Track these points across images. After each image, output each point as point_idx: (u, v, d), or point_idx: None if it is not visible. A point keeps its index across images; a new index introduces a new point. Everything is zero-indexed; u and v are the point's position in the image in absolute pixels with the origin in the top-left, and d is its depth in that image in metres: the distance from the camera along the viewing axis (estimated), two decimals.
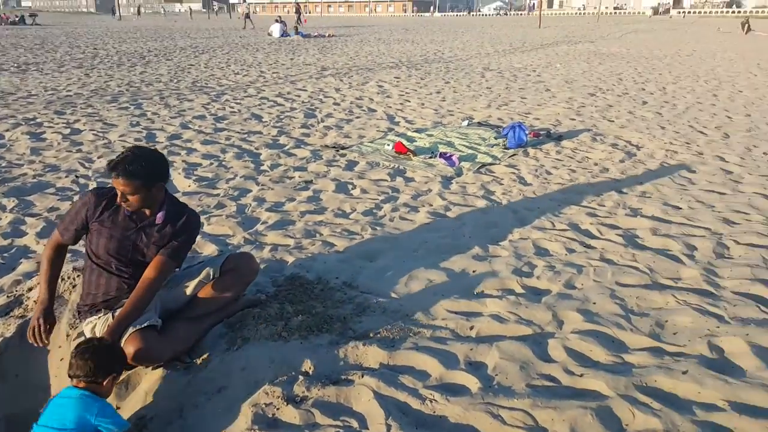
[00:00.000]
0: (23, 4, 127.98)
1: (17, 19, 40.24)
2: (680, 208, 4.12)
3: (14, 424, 2.19)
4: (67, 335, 2.48)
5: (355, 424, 1.91)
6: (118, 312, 2.22)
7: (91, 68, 12.57)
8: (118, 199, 2.22)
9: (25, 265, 3.22)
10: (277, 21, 25.58)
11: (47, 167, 5.17)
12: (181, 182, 4.79)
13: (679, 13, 66.51)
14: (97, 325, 2.28)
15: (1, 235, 3.69)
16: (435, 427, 1.93)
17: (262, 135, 6.49)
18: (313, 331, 2.44)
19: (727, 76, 11.74)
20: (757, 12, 59.73)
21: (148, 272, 2.27)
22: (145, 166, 2.17)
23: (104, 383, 1.87)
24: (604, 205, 4.19)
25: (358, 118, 7.51)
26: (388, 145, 5.84)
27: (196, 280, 2.49)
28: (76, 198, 4.32)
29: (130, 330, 2.15)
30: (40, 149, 5.77)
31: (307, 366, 2.21)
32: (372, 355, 2.31)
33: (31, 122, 6.99)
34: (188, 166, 5.23)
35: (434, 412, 1.99)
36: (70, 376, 1.87)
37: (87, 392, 1.82)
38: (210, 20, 54.70)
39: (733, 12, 63.56)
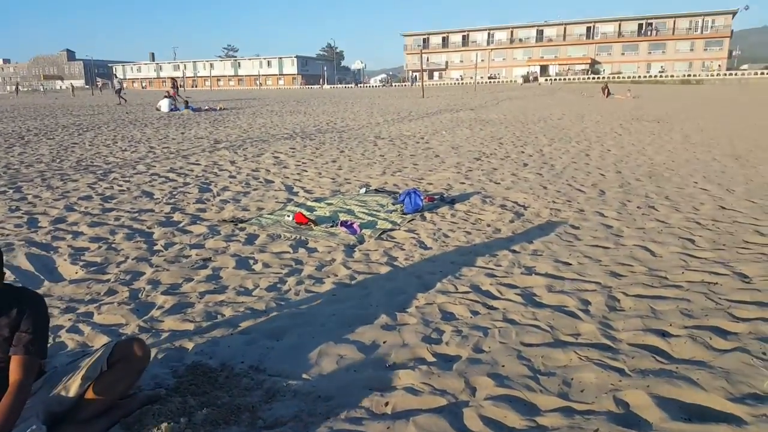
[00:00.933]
0: None
1: None
2: (570, 264, 4.38)
3: None
4: None
5: None
6: None
7: None
8: None
9: None
10: (165, 96, 25.04)
11: None
12: (67, 269, 4.34)
13: (546, 80, 74.07)
14: None
15: None
16: None
17: (155, 213, 6.12)
18: (219, 424, 2.23)
19: (595, 136, 13.10)
20: (613, 77, 68.40)
21: (12, 375, 2.01)
22: None
23: None
24: (500, 265, 4.36)
25: (255, 190, 7.38)
26: (288, 216, 5.76)
27: (80, 377, 2.21)
28: None
29: None
30: None
31: None
32: None
33: None
34: (75, 251, 4.76)
35: None
36: None
37: None
38: (94, 96, 52.37)
39: (593, 78, 71.81)
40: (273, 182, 7.91)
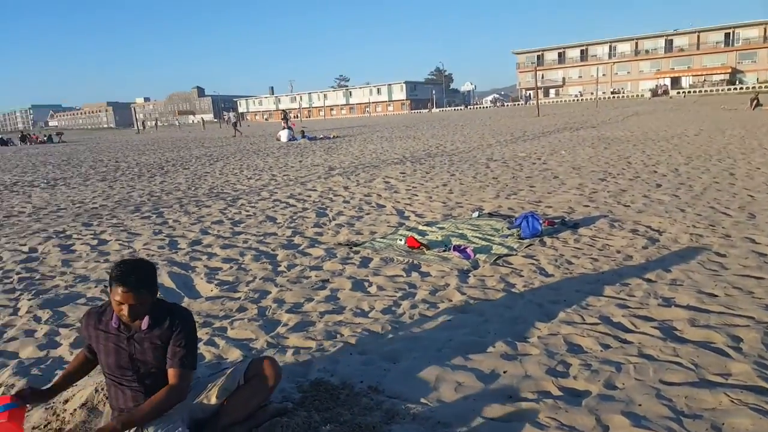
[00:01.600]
0: (51, 124, 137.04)
1: (45, 138, 43.15)
2: (716, 296, 3.97)
3: None
4: None
5: None
6: (136, 409, 2.24)
7: (113, 180, 13.07)
8: (124, 315, 2.25)
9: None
10: (284, 127, 26.87)
11: (78, 278, 5.24)
12: (203, 287, 4.79)
13: (679, 93, 67.88)
14: None
15: (38, 347, 3.70)
16: None
17: (278, 236, 6.56)
18: None
19: (740, 153, 11.83)
20: (761, 87, 58.93)
21: (170, 381, 2.32)
22: (136, 274, 2.23)
23: None
24: (633, 295, 4.07)
25: (368, 214, 7.62)
26: (400, 240, 5.86)
27: (221, 388, 2.47)
28: None
29: None
30: (70, 261, 5.86)
31: None
32: None
33: (61, 235, 7.16)
34: (210, 271, 5.25)
35: None
36: None
37: None
38: (221, 129, 57.46)
39: (736, 89, 64.05)
40: (384, 206, 8.12)
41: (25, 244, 6.69)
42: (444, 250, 5.44)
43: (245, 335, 3.69)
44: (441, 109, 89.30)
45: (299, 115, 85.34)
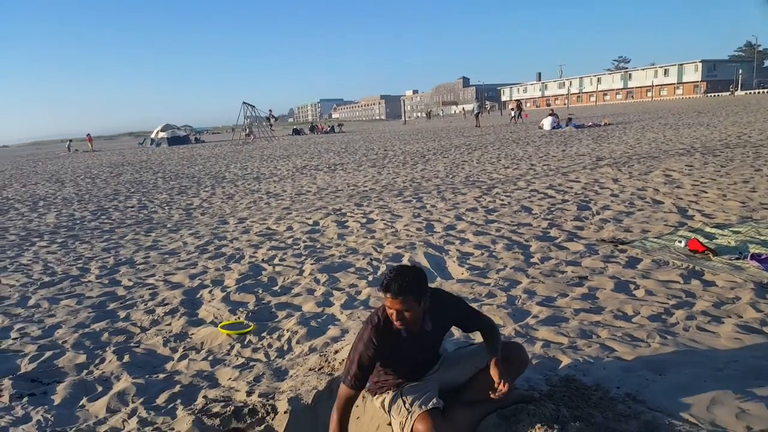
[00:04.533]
0: (333, 116, 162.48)
1: (329, 128, 51.77)
2: None
3: None
4: (363, 397, 2.83)
5: None
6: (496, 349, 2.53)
7: (381, 167, 14.77)
8: (395, 321, 2.36)
9: (332, 330, 3.96)
10: (549, 114, 26.27)
11: (349, 250, 6.20)
12: (455, 270, 5.16)
13: None
14: (386, 400, 2.58)
15: (316, 303, 4.59)
16: None
17: (532, 227, 6.58)
18: None
19: None
20: None
21: (489, 323, 2.65)
22: (411, 282, 2.35)
23: None
24: None
25: (640, 210, 7.04)
26: (680, 241, 5.29)
27: (470, 365, 2.64)
28: (370, 278, 5.07)
29: (418, 410, 2.37)
30: (344, 235, 6.96)
31: None
32: None
33: (338, 212, 8.50)
34: (461, 255, 5.61)
35: None
36: None
37: None
38: (481, 118, 59.06)
39: None
40: (662, 203, 7.39)
41: (310, 218, 8.13)
42: (737, 258, 4.76)
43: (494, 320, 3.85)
44: (748, 91, 75.53)
45: (567, 101, 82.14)
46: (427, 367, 2.63)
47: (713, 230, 5.80)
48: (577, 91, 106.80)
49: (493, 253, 5.57)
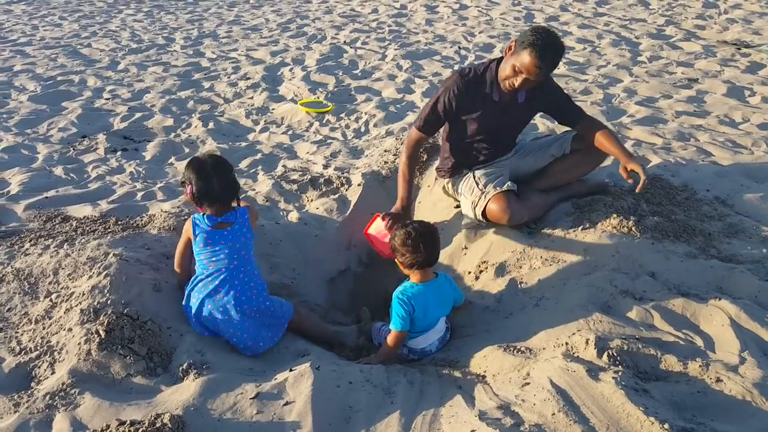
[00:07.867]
0: None
1: None
2: None
3: None
4: (427, 185, 2.94)
5: (699, 342, 1.75)
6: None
7: None
8: (516, 84, 2.18)
9: (411, 117, 3.94)
10: None
11: (436, 37, 5.90)
12: None
13: None
14: (453, 182, 2.58)
15: (396, 90, 4.52)
16: None
17: (646, 23, 5.91)
18: (668, 236, 2.26)
19: None
20: None
21: (595, 124, 2.42)
22: (561, 57, 2.19)
23: None
24: None
25: None
26: None
27: (546, 153, 2.56)
28: (456, 67, 4.86)
29: (493, 191, 2.36)
30: (432, 20, 6.59)
31: (656, 268, 2.09)
32: (739, 280, 2.01)
33: None
34: None
35: None
36: (423, 265, 1.96)
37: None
38: None
39: None
40: None
41: (397, 1, 7.62)
42: None
43: None
44: None
45: None
46: (502, 149, 2.55)
47: None
48: None
49: (597, 48, 5.14)
